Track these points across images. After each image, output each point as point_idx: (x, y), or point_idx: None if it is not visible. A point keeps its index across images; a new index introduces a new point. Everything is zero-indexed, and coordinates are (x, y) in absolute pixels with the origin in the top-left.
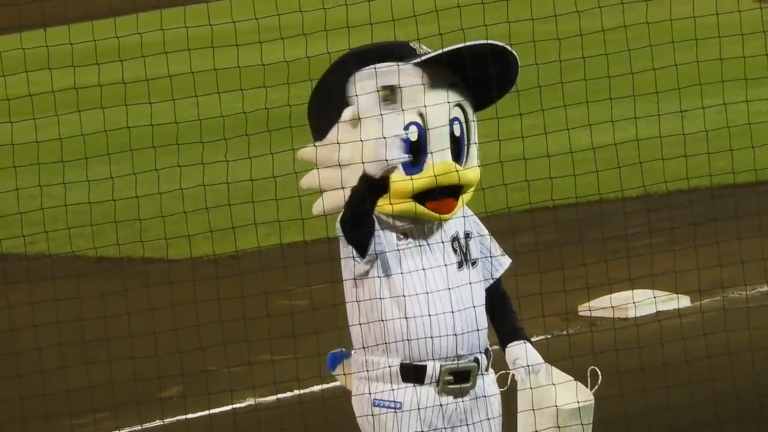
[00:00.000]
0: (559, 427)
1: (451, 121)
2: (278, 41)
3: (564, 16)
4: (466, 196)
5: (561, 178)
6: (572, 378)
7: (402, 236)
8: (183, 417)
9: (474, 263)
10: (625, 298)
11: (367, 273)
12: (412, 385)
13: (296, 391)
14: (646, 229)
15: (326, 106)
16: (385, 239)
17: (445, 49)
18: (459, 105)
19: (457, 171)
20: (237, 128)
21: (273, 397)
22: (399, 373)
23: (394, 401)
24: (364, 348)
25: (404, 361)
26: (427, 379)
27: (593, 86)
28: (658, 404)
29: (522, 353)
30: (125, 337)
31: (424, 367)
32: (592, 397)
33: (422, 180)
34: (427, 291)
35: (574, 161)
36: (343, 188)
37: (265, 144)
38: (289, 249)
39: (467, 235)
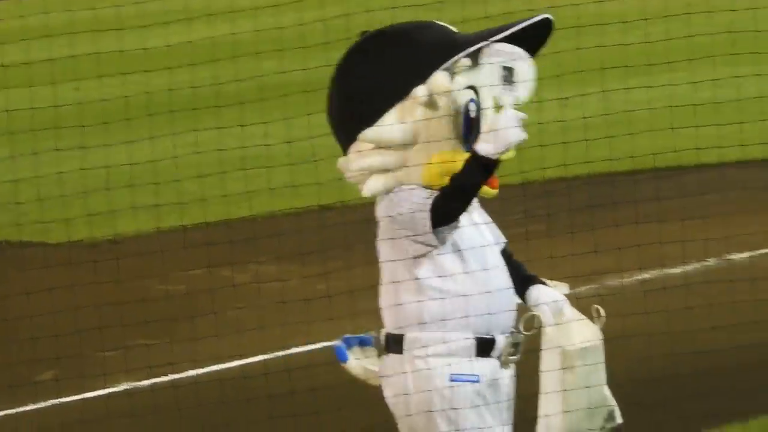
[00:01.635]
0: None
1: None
2: (162, 26)
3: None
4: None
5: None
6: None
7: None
8: (57, 401)
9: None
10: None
11: (425, 253)
12: (483, 360)
13: (170, 376)
14: (523, 216)
15: (377, 89)
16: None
17: (514, 29)
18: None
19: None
20: (118, 113)
21: (147, 382)
22: (474, 347)
23: (473, 374)
24: (419, 325)
25: (477, 335)
26: (495, 352)
27: None
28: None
29: (543, 294)
30: (0, 321)
31: (493, 340)
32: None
33: None
34: (487, 267)
35: None
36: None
37: (146, 129)
38: (167, 234)
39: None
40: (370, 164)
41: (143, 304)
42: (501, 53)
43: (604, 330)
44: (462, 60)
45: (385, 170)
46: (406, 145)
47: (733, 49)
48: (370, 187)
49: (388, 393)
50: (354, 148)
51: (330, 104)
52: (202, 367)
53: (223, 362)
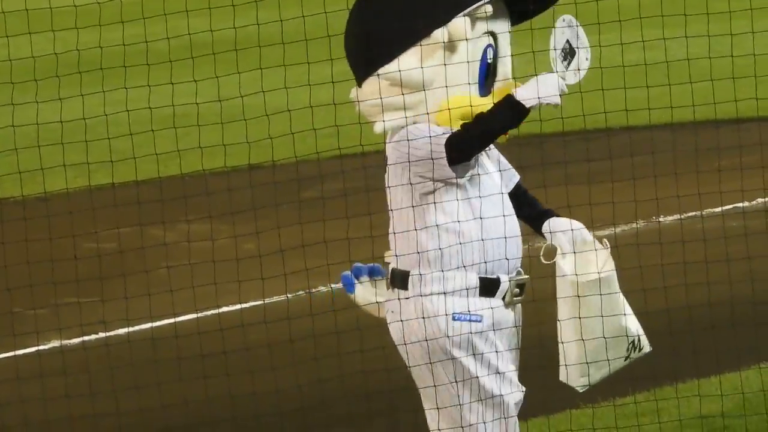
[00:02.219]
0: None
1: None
2: None
3: None
4: None
5: (369, 125)
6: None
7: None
8: None
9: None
10: None
11: (434, 190)
12: (487, 300)
13: (102, 334)
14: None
15: (398, 28)
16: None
17: None
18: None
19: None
20: (48, 70)
21: (78, 340)
22: (477, 287)
23: (475, 314)
24: (424, 264)
25: (481, 275)
26: (499, 293)
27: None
28: None
29: (560, 224)
30: None
31: (498, 280)
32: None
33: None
34: (503, 214)
35: None
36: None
37: (76, 86)
38: (97, 192)
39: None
40: (387, 101)
41: (74, 262)
42: (573, 28)
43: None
44: (484, 6)
45: (399, 108)
46: (422, 86)
47: (660, 11)
48: (385, 123)
49: (392, 329)
50: (370, 82)
51: (348, 35)
52: (133, 326)
53: (155, 321)
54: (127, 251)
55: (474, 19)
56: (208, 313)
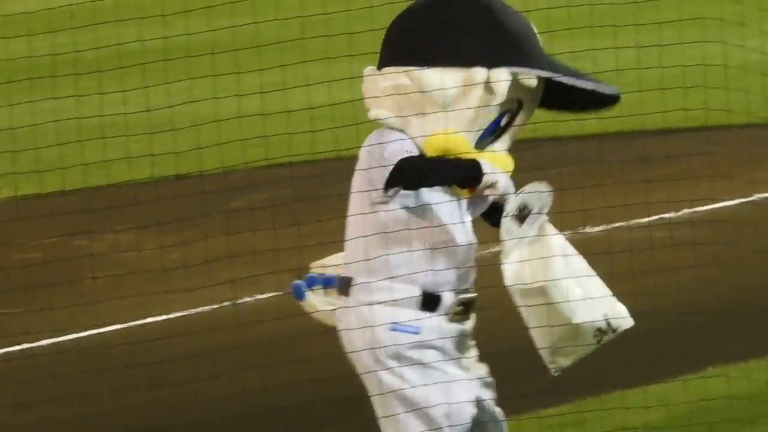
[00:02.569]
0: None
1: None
2: None
3: None
4: None
5: (299, 134)
6: None
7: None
8: None
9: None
10: None
11: (388, 202)
12: (427, 314)
13: (28, 345)
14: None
15: (447, 41)
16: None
17: (593, 86)
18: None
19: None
20: None
21: (3, 350)
22: (420, 300)
23: (414, 326)
24: (368, 272)
25: (425, 290)
26: (440, 309)
27: (334, 43)
28: None
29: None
30: None
31: (440, 297)
32: None
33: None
34: (454, 222)
35: (313, 118)
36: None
37: (4, 96)
38: (24, 202)
39: None
40: (396, 90)
41: (0, 273)
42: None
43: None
44: (530, 76)
45: (400, 107)
46: (433, 105)
47: (590, 21)
48: (378, 112)
49: (341, 336)
50: (390, 71)
51: (405, 17)
52: (60, 336)
53: (82, 331)
54: (54, 262)
55: (516, 81)
56: (136, 323)
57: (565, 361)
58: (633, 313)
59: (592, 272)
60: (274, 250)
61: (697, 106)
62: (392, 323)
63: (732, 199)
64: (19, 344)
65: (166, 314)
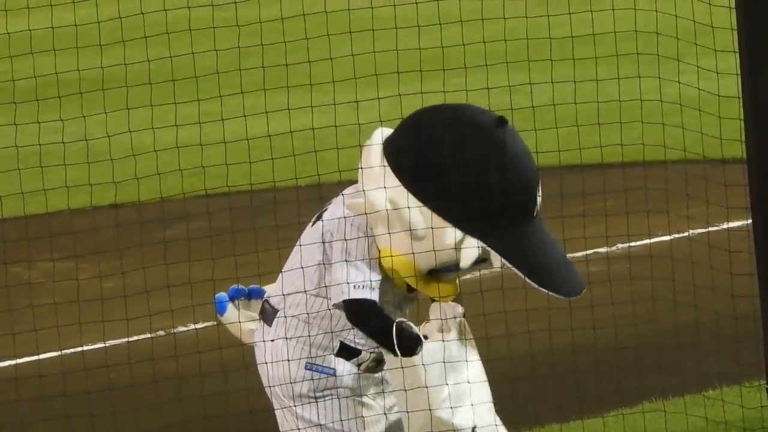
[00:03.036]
0: None
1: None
2: None
3: (242, 3)
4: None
5: (236, 165)
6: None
7: None
8: None
9: None
10: None
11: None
12: (346, 360)
13: None
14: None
15: (435, 178)
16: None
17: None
18: None
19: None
20: None
21: None
22: (336, 348)
23: (329, 367)
24: (295, 307)
25: (344, 342)
26: (355, 360)
27: (270, 74)
28: None
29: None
30: None
31: (359, 351)
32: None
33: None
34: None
35: (250, 148)
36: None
37: None
38: None
39: None
40: (371, 196)
41: None
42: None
43: None
44: (497, 259)
45: (373, 209)
46: (405, 230)
47: (527, 55)
48: (355, 201)
49: (257, 358)
50: (378, 162)
51: (412, 128)
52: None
53: (18, 359)
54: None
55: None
56: (72, 351)
57: None
58: (571, 347)
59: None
60: (212, 280)
61: (633, 141)
62: (308, 363)
63: (668, 234)
64: None
65: (102, 342)
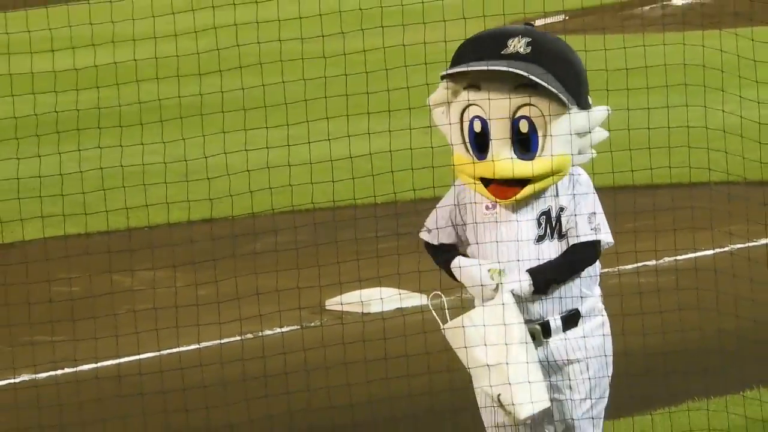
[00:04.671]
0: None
1: (517, 119)
2: None
3: (328, 36)
4: (543, 183)
5: (320, 184)
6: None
7: (490, 206)
8: None
9: (563, 237)
10: (373, 294)
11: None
12: None
13: (68, 370)
14: (394, 232)
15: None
16: (471, 211)
17: (469, 68)
18: (530, 104)
19: (513, 168)
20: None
21: (48, 374)
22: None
23: None
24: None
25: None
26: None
27: (352, 101)
28: (400, 392)
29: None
30: None
31: None
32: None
33: (480, 168)
34: (498, 261)
35: (333, 168)
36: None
37: (54, 145)
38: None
39: (561, 210)
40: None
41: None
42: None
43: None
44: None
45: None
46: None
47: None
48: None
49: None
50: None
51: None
52: (101, 362)
53: (120, 359)
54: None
55: (455, 90)
56: (169, 352)
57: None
58: (622, 352)
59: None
60: (296, 288)
61: (681, 164)
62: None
63: (711, 249)
64: (61, 369)
65: (197, 344)
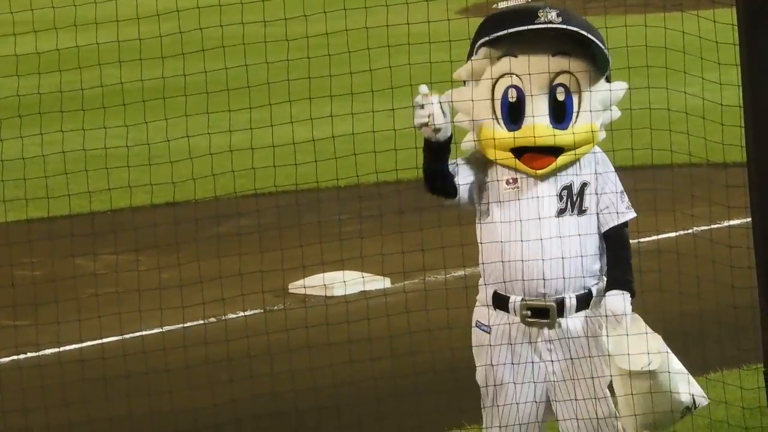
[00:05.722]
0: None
1: (554, 87)
2: None
3: (290, 19)
4: (577, 152)
5: (283, 167)
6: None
7: (511, 181)
8: None
9: (584, 212)
10: (336, 277)
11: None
12: (504, 313)
13: (31, 354)
14: (357, 215)
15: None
16: (491, 188)
17: (508, 30)
18: (567, 72)
19: (554, 134)
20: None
21: (10, 359)
22: (492, 299)
23: (487, 325)
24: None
25: (497, 291)
26: (511, 310)
27: (315, 84)
28: (364, 375)
29: (611, 303)
30: None
31: (508, 298)
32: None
33: (518, 138)
34: (521, 239)
35: (296, 151)
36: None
37: (16, 129)
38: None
39: (584, 185)
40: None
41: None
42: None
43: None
44: (496, 48)
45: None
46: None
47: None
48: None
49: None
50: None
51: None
52: (63, 347)
53: (83, 343)
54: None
55: (493, 58)
56: (132, 335)
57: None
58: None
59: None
60: (260, 272)
61: (643, 146)
62: (476, 320)
63: (674, 231)
64: (24, 353)
65: (160, 328)
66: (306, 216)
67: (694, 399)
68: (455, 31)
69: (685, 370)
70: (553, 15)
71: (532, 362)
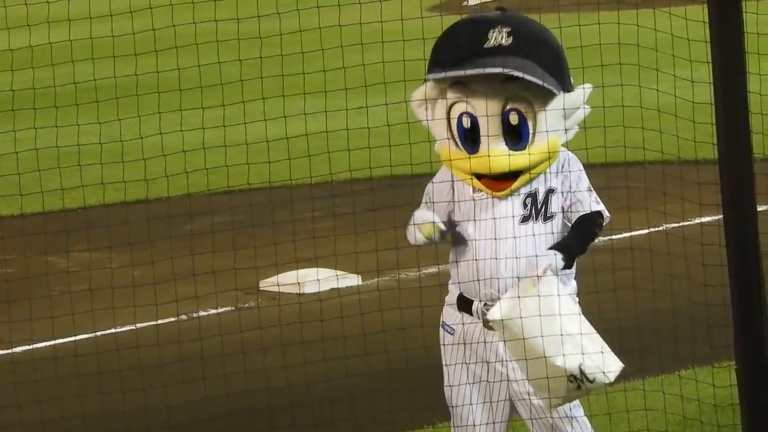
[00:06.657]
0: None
1: (506, 112)
2: None
3: (264, 17)
4: (534, 172)
5: (256, 164)
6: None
7: (478, 190)
8: None
9: (549, 217)
10: (309, 275)
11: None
12: (468, 315)
13: (3, 351)
14: (331, 213)
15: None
16: (460, 191)
17: (457, 73)
18: (519, 96)
19: (509, 160)
20: None
21: None
22: (456, 302)
23: (450, 326)
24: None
25: (462, 294)
26: (474, 313)
27: (288, 81)
28: (338, 372)
29: (542, 259)
30: None
31: (471, 302)
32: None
33: (475, 164)
34: (481, 239)
35: (269, 149)
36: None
37: None
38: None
39: (550, 192)
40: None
41: None
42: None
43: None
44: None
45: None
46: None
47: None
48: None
49: None
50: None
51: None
52: (36, 344)
53: (56, 340)
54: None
55: (441, 88)
56: (105, 333)
57: (555, 401)
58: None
59: (588, 330)
60: (233, 269)
61: (616, 143)
62: (442, 321)
63: (647, 228)
64: None
65: (133, 325)
66: (279, 213)
67: (582, 370)
68: (428, 28)
69: (601, 342)
70: (503, 35)
71: (488, 362)
